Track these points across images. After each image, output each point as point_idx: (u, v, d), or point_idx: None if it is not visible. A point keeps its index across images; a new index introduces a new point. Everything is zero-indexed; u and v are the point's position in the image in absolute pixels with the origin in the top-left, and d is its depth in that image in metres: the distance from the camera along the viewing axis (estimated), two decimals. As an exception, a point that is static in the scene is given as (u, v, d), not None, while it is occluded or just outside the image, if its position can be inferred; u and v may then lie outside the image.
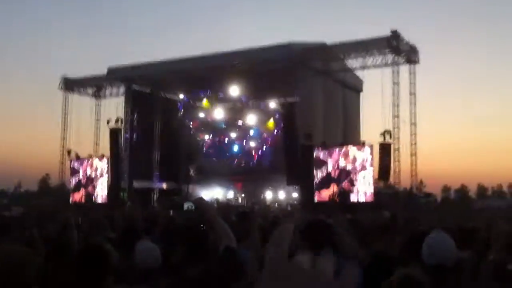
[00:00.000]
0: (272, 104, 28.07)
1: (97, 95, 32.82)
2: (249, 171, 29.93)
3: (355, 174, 24.04)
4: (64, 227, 5.81)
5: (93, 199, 29.13)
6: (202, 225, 4.13)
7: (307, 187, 24.64)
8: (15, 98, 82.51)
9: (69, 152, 31.15)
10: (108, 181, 29.46)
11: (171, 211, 14.95)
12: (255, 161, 30.62)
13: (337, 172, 24.40)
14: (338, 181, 24.30)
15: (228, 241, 3.83)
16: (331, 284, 2.22)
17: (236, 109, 30.26)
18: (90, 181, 30.08)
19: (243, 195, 29.63)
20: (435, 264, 2.78)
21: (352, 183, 24.06)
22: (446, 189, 40.80)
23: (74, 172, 30.71)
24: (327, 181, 24.49)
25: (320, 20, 79.17)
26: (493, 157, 79.18)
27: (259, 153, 30.70)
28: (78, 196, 29.91)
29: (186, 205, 21.76)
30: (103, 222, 6.43)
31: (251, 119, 30.04)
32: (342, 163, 24.39)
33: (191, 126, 31.51)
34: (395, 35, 23.89)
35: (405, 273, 2.50)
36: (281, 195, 28.06)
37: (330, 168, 24.51)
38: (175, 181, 29.92)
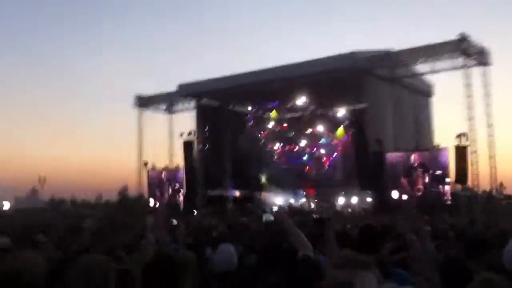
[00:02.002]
0: (341, 112, 28.00)
1: (169, 110, 34.08)
2: (320, 178, 29.95)
3: (431, 176, 23.54)
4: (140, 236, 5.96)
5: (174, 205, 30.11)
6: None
7: (380, 192, 24.30)
8: (93, 115, 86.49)
9: (145, 164, 32.52)
10: (183, 190, 30.51)
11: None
12: (326, 168, 30.61)
13: (410, 173, 24.04)
14: (411, 183, 23.92)
15: (305, 250, 3.90)
16: None
17: (305, 119, 30.49)
18: (167, 190, 31.29)
19: (315, 201, 29.58)
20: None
21: (430, 185, 23.56)
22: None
23: (153, 183, 32.02)
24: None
25: (385, 28, 77.21)
26: None
27: (330, 160, 30.66)
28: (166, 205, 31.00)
29: (265, 217, 22.00)
30: (182, 229, 6.72)
31: (320, 127, 30.13)
32: (414, 165, 23.97)
33: (260, 136, 32.05)
34: (463, 38, 23.18)
35: (486, 278, 2.41)
36: (354, 200, 27.79)
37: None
38: (248, 189, 30.35)
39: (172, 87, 32.09)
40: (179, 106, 33.67)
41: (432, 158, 23.99)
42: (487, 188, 25.06)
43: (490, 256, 3.72)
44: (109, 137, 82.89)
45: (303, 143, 31.60)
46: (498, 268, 3.42)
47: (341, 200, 28.41)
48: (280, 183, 30.70)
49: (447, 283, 3.52)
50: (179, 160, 31.94)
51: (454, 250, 5.24)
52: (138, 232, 6.91)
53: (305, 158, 31.90)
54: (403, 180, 24.25)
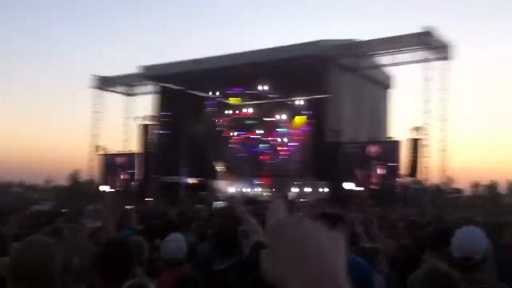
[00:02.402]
0: (301, 101, 28.10)
1: (129, 93, 33.37)
2: (276, 167, 30.04)
3: (383, 169, 23.99)
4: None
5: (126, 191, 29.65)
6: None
7: (335, 182, 24.60)
8: (45, 94, 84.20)
9: (98, 148, 31.79)
10: (137, 176, 30.03)
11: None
12: (282, 157, 30.72)
13: (365, 165, 24.41)
14: (366, 174, 24.30)
15: (257, 236, 3.87)
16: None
17: (264, 106, 30.46)
18: (119, 175, 30.69)
19: (269, 190, 29.66)
20: (463, 257, 2.76)
21: (384, 177, 24.02)
22: (475, 185, 39.88)
23: (105, 167, 31.34)
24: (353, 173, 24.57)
25: (349, 18, 78.22)
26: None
27: (287, 149, 30.78)
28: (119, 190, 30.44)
29: (215, 204, 21.98)
30: (133, 215, 6.57)
31: (278, 116, 30.16)
32: (369, 157, 24.38)
33: (219, 123, 31.85)
34: (426, 31, 23.58)
35: (432, 266, 2.48)
36: (308, 190, 27.98)
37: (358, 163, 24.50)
38: (202, 177, 30.17)
39: (132, 70, 31.52)
40: (139, 88, 33.03)
41: (386, 150, 24.43)
42: (437, 182, 25.82)
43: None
44: (61, 119, 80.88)
45: (260, 131, 31.56)
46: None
47: (295, 190, 28.55)
48: (235, 171, 30.59)
49: (397, 271, 3.56)
50: (134, 145, 31.48)
51: (404, 240, 5.31)
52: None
53: (262, 146, 31.89)
54: (358, 172, 24.62)
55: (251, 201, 19.37)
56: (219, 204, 22.00)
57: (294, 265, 0.68)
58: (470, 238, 2.83)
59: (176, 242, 4.12)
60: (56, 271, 2.36)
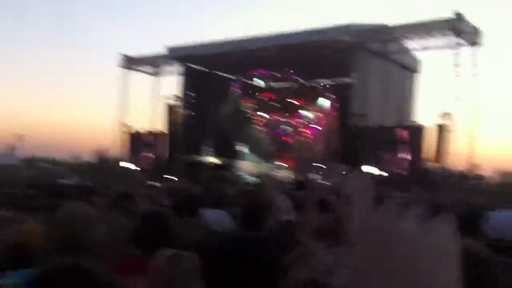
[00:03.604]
0: (326, 85, 27.92)
1: (155, 73, 33.57)
2: (301, 149, 30.03)
3: (408, 154, 23.78)
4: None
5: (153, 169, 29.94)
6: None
7: (360, 167, 24.46)
8: (73, 74, 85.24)
9: (126, 127, 32.17)
10: (163, 155, 30.35)
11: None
12: (307, 140, 30.68)
13: (391, 149, 24.22)
14: (391, 159, 24.15)
15: (287, 215, 3.89)
16: None
17: (290, 89, 30.38)
18: (144, 154, 31.06)
19: (294, 172, 29.70)
20: (496, 239, 2.73)
21: (404, 162, 23.77)
22: (501, 172, 39.11)
23: (132, 145, 31.75)
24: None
25: (379, 1, 76.93)
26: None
27: (312, 132, 30.73)
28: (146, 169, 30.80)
29: (247, 179, 22.13)
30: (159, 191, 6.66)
31: (304, 98, 30.04)
32: (395, 142, 24.17)
33: (244, 105, 31.89)
34: (456, 16, 23.09)
35: (465, 246, 2.28)
36: (349, 173, 27.91)
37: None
38: (227, 157, 30.33)
39: (159, 50, 31.63)
40: (165, 69, 33.17)
41: (412, 135, 24.18)
42: (462, 168, 25.48)
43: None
44: (92, 97, 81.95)
45: (285, 113, 31.54)
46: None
47: (320, 173, 28.53)
48: (260, 153, 30.72)
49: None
50: (161, 124, 31.71)
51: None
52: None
53: (286, 128, 31.90)
54: (383, 156, 24.44)
55: (278, 182, 19.46)
56: (250, 180, 22.14)
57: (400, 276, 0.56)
58: (503, 219, 2.80)
59: (221, 216, 4.15)
60: (97, 241, 2.41)
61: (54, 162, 35.32)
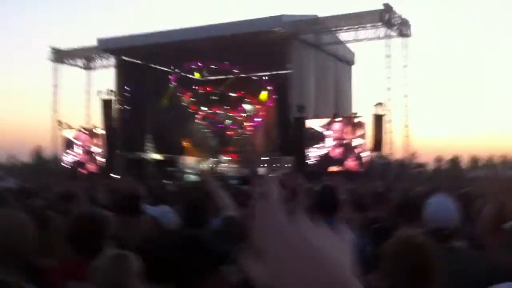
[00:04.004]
0: (264, 76, 28.06)
1: (88, 66, 32.48)
2: (242, 142, 30.07)
3: (349, 143, 24.33)
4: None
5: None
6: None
7: (301, 158, 24.78)
8: (2, 69, 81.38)
9: (60, 123, 31.00)
10: (101, 153, 29.53)
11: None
12: (248, 133, 30.76)
13: (333, 143, 24.68)
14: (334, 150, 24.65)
15: (229, 210, 3.87)
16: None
17: (228, 82, 30.26)
18: (87, 152, 30.16)
19: (237, 166, 29.72)
20: (436, 228, 2.78)
21: (347, 152, 24.33)
22: (438, 159, 40.94)
23: (68, 143, 30.69)
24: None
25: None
26: (486, 129, 79.57)
27: (252, 125, 30.83)
28: (84, 167, 29.90)
29: (186, 177, 21.94)
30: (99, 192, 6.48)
31: (243, 91, 30.04)
32: (336, 134, 24.65)
33: (183, 98, 31.47)
34: (387, 8, 23.88)
35: (405, 235, 2.42)
36: (275, 165, 28.14)
37: (327, 140, 24.75)
38: (169, 153, 29.91)
39: (91, 42, 30.62)
40: (98, 62, 32.14)
41: (350, 126, 24.72)
42: (401, 156, 26.42)
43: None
44: (20, 93, 78.62)
45: (225, 106, 31.44)
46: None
47: (262, 165, 28.69)
48: (202, 147, 30.50)
49: (373, 240, 3.61)
50: (96, 120, 30.80)
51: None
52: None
53: (227, 122, 31.81)
54: (322, 147, 24.86)
55: (219, 176, 19.42)
56: (191, 177, 21.92)
57: (295, 269, 0.62)
58: (442, 208, 2.86)
59: (169, 213, 4.07)
60: (28, 249, 2.29)
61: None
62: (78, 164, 30.16)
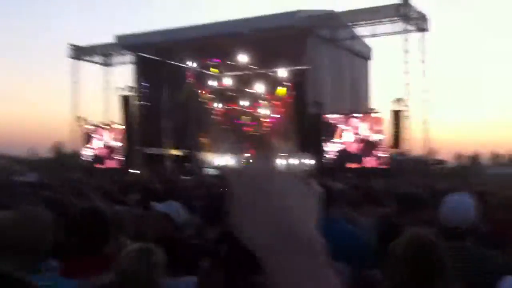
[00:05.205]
0: (282, 72, 27.98)
1: (106, 63, 32.81)
2: (259, 139, 30.06)
3: (368, 139, 24.15)
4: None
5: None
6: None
7: (318, 154, 24.75)
8: (23, 66, 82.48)
9: (79, 119, 31.40)
10: (120, 147, 29.86)
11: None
12: (265, 129, 30.73)
13: (352, 138, 24.50)
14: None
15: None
16: None
17: (245, 77, 30.26)
18: (106, 147, 30.52)
19: (253, 161, 29.66)
20: (449, 226, 2.75)
21: (365, 149, 24.18)
22: (458, 156, 40.40)
23: (88, 139, 31.08)
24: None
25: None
26: (507, 125, 78.37)
27: (269, 121, 30.79)
28: (103, 163, 30.22)
29: (207, 171, 21.97)
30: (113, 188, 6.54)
31: (260, 87, 30.03)
32: (355, 130, 24.51)
33: (200, 94, 31.59)
34: (404, 2, 23.60)
35: (414, 233, 2.42)
36: (294, 162, 28.07)
37: (346, 136, 24.59)
38: (186, 149, 30.06)
39: (109, 39, 30.91)
40: (117, 59, 32.44)
41: (368, 121, 24.55)
42: (420, 153, 26.09)
43: (423, 213, 3.83)
44: (40, 89, 79.60)
45: (243, 103, 31.48)
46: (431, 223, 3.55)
47: (281, 162, 28.63)
48: (220, 143, 30.55)
49: (379, 238, 3.60)
50: (114, 116, 31.11)
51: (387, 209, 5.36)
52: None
53: (245, 118, 31.82)
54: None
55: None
56: (211, 171, 21.98)
57: (258, 213, 0.63)
58: (458, 206, 2.82)
59: (176, 208, 4.07)
60: (47, 246, 2.32)
61: (10, 159, 34.24)
62: (97, 159, 30.52)
